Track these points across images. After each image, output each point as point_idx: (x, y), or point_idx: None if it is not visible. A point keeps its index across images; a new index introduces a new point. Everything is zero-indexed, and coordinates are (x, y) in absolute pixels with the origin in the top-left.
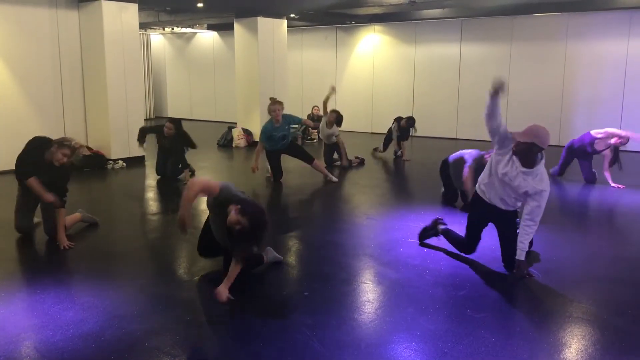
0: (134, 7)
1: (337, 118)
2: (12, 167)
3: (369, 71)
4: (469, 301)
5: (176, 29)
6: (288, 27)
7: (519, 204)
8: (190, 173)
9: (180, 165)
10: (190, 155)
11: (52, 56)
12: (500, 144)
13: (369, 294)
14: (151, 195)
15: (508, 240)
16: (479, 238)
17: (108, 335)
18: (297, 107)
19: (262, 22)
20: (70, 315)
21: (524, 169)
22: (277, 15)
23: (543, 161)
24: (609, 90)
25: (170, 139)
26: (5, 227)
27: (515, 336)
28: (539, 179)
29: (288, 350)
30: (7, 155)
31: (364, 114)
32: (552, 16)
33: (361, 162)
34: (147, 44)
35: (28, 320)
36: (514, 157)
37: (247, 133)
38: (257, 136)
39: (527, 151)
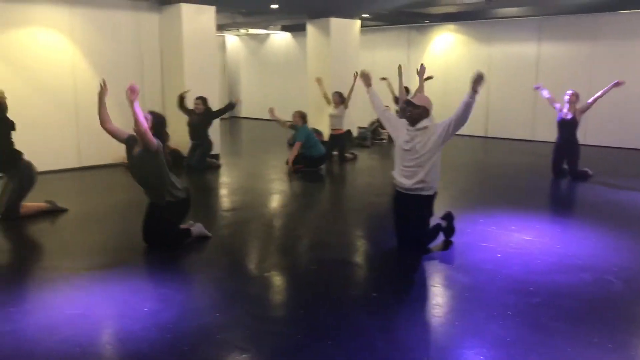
0: (211, 10)
1: (341, 97)
2: (98, 162)
3: (441, 71)
4: (544, 309)
5: (251, 31)
6: (361, 27)
7: (420, 171)
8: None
9: (206, 158)
10: (263, 155)
11: (134, 57)
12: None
13: (438, 298)
14: (224, 192)
15: (414, 226)
16: (404, 231)
17: (183, 327)
18: (367, 106)
19: (335, 22)
20: (148, 305)
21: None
22: (350, 15)
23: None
24: None
25: (200, 115)
26: (87, 219)
27: (592, 347)
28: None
29: (356, 350)
30: (93, 152)
31: (436, 115)
32: (639, 13)
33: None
34: (223, 45)
35: (109, 309)
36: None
37: (318, 133)
38: (327, 136)
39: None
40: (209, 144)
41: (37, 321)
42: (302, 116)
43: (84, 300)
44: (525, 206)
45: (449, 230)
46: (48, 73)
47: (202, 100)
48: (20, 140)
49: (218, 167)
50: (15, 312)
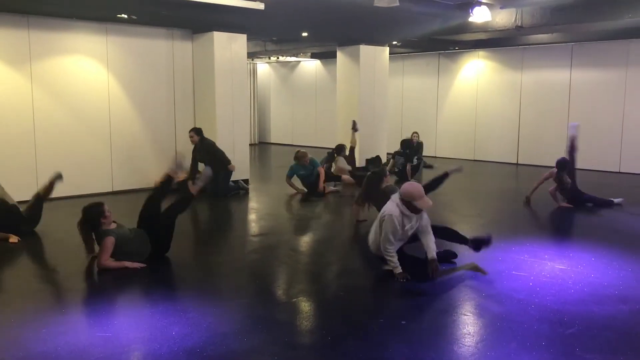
0: (243, 38)
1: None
2: (131, 187)
3: (472, 98)
4: (578, 340)
5: (281, 58)
6: (390, 53)
7: None
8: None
9: (230, 182)
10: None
11: (167, 84)
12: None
13: (469, 327)
14: (253, 217)
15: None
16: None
17: (210, 352)
18: (397, 133)
19: (364, 49)
20: (176, 329)
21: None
22: (380, 42)
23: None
24: None
25: (199, 148)
26: None
27: None
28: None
29: None
30: (125, 177)
31: (466, 141)
32: None
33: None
34: (254, 73)
35: (138, 332)
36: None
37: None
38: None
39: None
40: (227, 170)
41: (68, 342)
42: (296, 157)
43: (114, 323)
44: (558, 235)
45: (478, 242)
46: (85, 100)
47: (195, 131)
48: (57, 163)
49: (246, 191)
50: (47, 333)
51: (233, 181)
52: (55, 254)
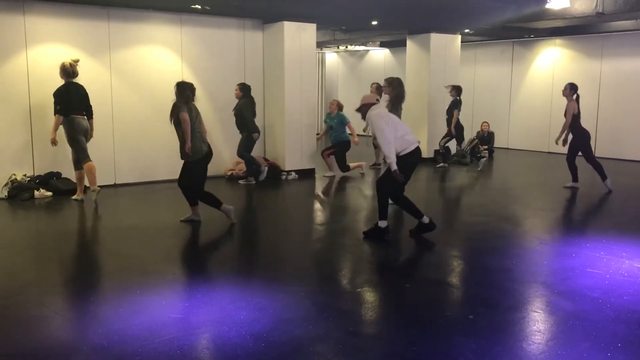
0: (312, 27)
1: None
2: None
3: (547, 87)
4: None
5: (350, 47)
6: (461, 42)
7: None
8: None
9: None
10: (356, 170)
11: (238, 73)
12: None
13: (539, 324)
14: (319, 206)
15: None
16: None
17: (276, 337)
18: (468, 123)
19: (435, 38)
20: (244, 314)
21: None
22: (451, 31)
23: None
24: None
25: (239, 105)
26: (190, 228)
27: None
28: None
29: None
30: None
31: (541, 132)
32: None
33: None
34: (322, 62)
35: (207, 315)
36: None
37: None
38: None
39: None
40: (246, 134)
41: (143, 322)
42: (337, 105)
43: (185, 305)
44: (636, 231)
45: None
46: (160, 88)
47: (239, 86)
48: (133, 151)
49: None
50: (124, 312)
51: (286, 171)
52: (128, 238)
